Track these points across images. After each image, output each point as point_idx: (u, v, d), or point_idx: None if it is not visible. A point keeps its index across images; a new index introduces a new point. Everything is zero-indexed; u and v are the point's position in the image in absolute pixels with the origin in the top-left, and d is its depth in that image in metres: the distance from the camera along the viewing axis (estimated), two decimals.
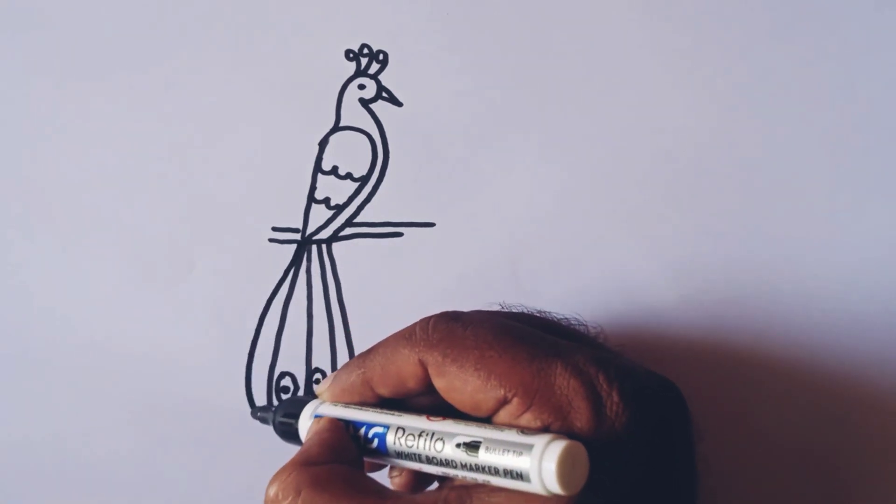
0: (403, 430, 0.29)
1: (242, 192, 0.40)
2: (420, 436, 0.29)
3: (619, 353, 0.33)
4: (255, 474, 0.39)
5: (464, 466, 0.27)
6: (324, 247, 0.40)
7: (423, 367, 0.30)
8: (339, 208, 0.40)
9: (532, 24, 0.40)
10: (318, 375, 0.40)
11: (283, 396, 0.40)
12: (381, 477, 0.32)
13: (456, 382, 0.29)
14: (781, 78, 0.40)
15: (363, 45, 0.41)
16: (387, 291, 0.40)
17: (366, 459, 0.31)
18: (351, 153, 0.40)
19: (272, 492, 0.29)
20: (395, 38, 0.40)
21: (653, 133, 0.40)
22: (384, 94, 0.40)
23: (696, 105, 0.40)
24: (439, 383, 0.29)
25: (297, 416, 0.33)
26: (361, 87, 0.40)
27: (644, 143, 0.40)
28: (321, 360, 0.40)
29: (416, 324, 0.31)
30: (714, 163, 0.40)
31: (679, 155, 0.40)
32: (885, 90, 0.39)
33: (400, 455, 0.30)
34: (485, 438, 0.27)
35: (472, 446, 0.27)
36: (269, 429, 0.39)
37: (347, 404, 0.32)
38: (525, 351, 0.28)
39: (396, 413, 0.30)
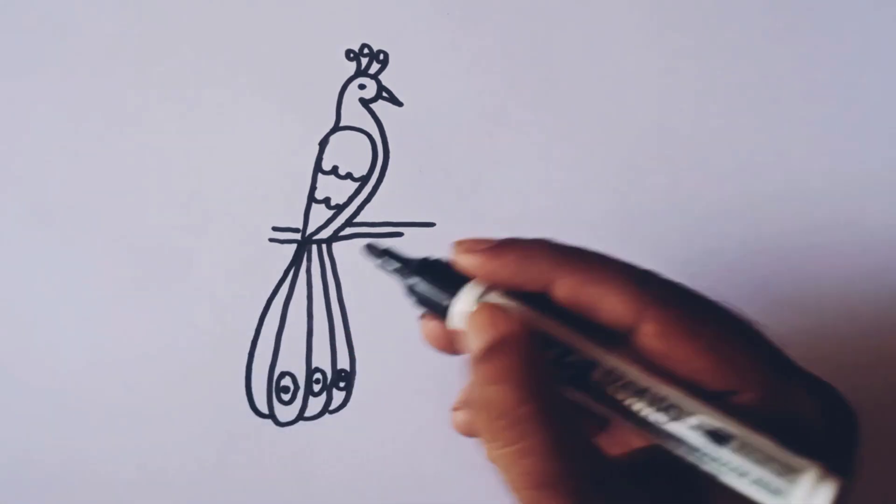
0: (618, 374, 0.25)
1: (242, 192, 0.40)
2: (644, 393, 0.24)
3: None
4: (255, 474, 0.39)
5: (694, 450, 0.24)
6: (324, 247, 0.40)
7: (638, 316, 0.25)
8: (340, 208, 0.40)
9: (532, 24, 0.40)
10: (317, 375, 0.40)
11: (284, 396, 0.39)
12: None
13: (679, 353, 0.25)
14: (781, 78, 0.40)
15: (363, 45, 0.41)
16: (387, 291, 0.40)
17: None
18: (351, 153, 0.40)
19: (517, 409, 0.24)
20: (395, 38, 0.40)
21: (653, 133, 0.40)
22: (384, 94, 0.40)
23: (696, 105, 0.40)
24: (655, 344, 0.25)
25: (450, 292, 0.27)
26: (362, 86, 0.40)
27: (644, 143, 0.40)
28: (321, 360, 0.40)
29: (650, 270, 0.26)
30: (714, 163, 0.40)
31: (679, 155, 0.40)
32: (886, 90, 0.40)
33: (603, 398, 0.25)
34: (737, 434, 0.24)
35: (719, 438, 0.24)
36: (271, 428, 0.39)
37: (529, 306, 0.26)
38: (767, 351, 0.26)
39: (595, 345, 0.25)
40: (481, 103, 0.40)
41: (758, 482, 0.23)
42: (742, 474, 0.24)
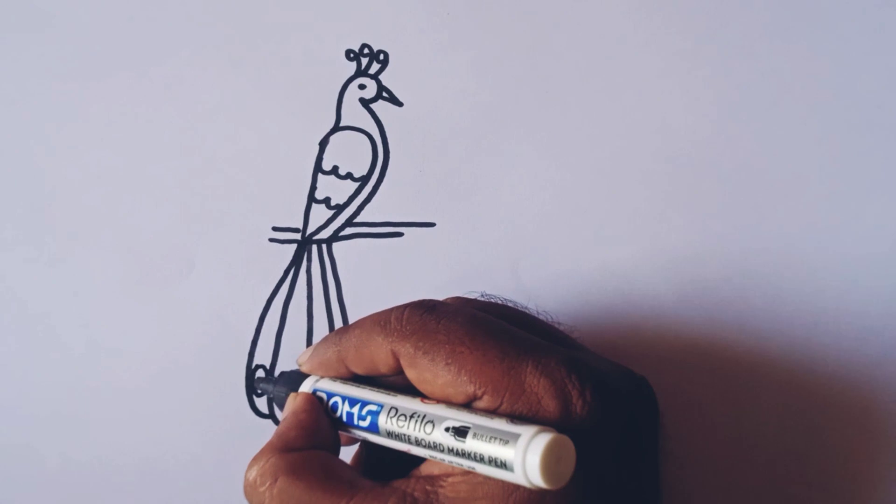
0: (396, 410, 0.29)
1: (242, 192, 0.40)
2: (412, 417, 0.29)
3: (592, 352, 0.33)
4: None
5: (450, 451, 0.27)
6: (324, 247, 0.40)
7: (395, 356, 0.30)
8: (340, 208, 0.40)
9: (532, 24, 0.40)
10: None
11: None
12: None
13: (426, 374, 0.29)
14: (781, 78, 0.40)
15: (363, 45, 0.41)
16: (387, 291, 0.40)
17: (342, 433, 0.32)
18: (351, 153, 0.40)
19: (251, 476, 0.30)
20: (395, 38, 0.40)
21: (653, 133, 0.40)
22: (384, 94, 0.40)
23: (696, 105, 0.40)
24: (410, 373, 0.30)
25: (296, 389, 0.34)
26: (362, 86, 0.40)
27: (644, 143, 0.40)
28: None
29: (391, 310, 0.31)
30: (714, 163, 0.40)
31: (679, 155, 0.40)
32: (886, 90, 0.40)
33: (390, 434, 0.30)
34: (474, 424, 0.27)
35: (461, 432, 0.27)
36: (271, 429, 0.39)
37: (346, 380, 0.32)
38: (496, 347, 0.29)
39: (391, 393, 0.30)
40: (481, 103, 0.40)
41: (493, 461, 0.26)
42: (480, 459, 0.26)
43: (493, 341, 0.29)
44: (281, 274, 0.40)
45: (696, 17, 0.40)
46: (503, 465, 0.26)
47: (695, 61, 0.40)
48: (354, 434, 0.32)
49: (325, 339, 0.33)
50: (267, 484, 0.29)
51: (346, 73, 0.40)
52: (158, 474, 0.39)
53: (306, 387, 0.33)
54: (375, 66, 0.40)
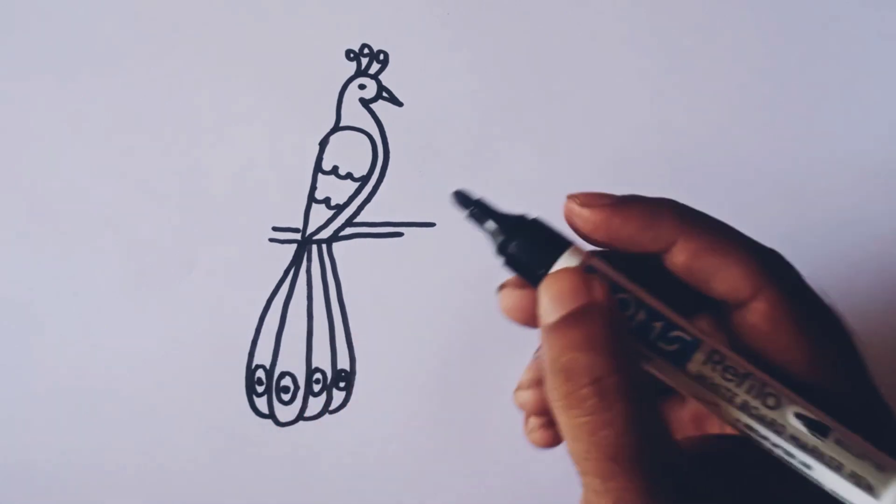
0: (721, 356, 0.24)
1: (242, 192, 0.40)
2: (746, 378, 0.24)
3: None
4: (255, 474, 0.39)
5: (792, 439, 0.23)
6: (324, 247, 0.40)
7: (754, 292, 0.24)
8: (340, 208, 0.40)
9: (532, 24, 0.40)
10: (318, 375, 0.40)
11: (284, 396, 0.39)
12: None
13: (783, 340, 0.24)
14: (781, 78, 0.40)
15: (363, 45, 0.41)
16: (387, 291, 0.40)
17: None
18: (351, 153, 0.40)
19: (605, 380, 0.23)
20: (395, 38, 0.40)
21: (653, 133, 0.40)
22: (384, 94, 0.40)
23: (696, 105, 0.40)
24: (763, 325, 0.24)
25: (549, 259, 0.26)
26: (362, 86, 0.40)
27: (644, 143, 0.40)
28: (321, 360, 0.40)
29: (770, 249, 0.26)
30: (714, 163, 0.40)
31: (679, 155, 0.40)
32: (886, 90, 0.40)
33: (700, 380, 0.24)
34: (836, 427, 0.23)
35: (819, 428, 0.23)
36: (271, 428, 0.39)
37: (630, 280, 0.25)
38: (854, 350, 0.25)
39: (698, 328, 0.24)
40: (481, 103, 0.40)
41: (852, 476, 0.23)
42: (837, 468, 0.23)
43: (852, 347, 0.25)
44: (281, 274, 0.40)
45: (696, 17, 0.40)
46: (868, 488, 0.23)
47: (694, 61, 0.40)
48: (640, 352, 0.25)
49: (650, 203, 0.26)
50: (623, 399, 0.22)
51: (346, 73, 0.40)
52: (158, 474, 0.39)
53: (571, 261, 0.25)
54: (375, 66, 0.40)
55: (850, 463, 0.23)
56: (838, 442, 0.23)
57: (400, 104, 0.40)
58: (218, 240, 0.40)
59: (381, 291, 0.40)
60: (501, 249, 0.27)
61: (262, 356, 0.40)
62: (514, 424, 0.39)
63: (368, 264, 0.40)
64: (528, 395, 0.29)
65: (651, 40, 0.40)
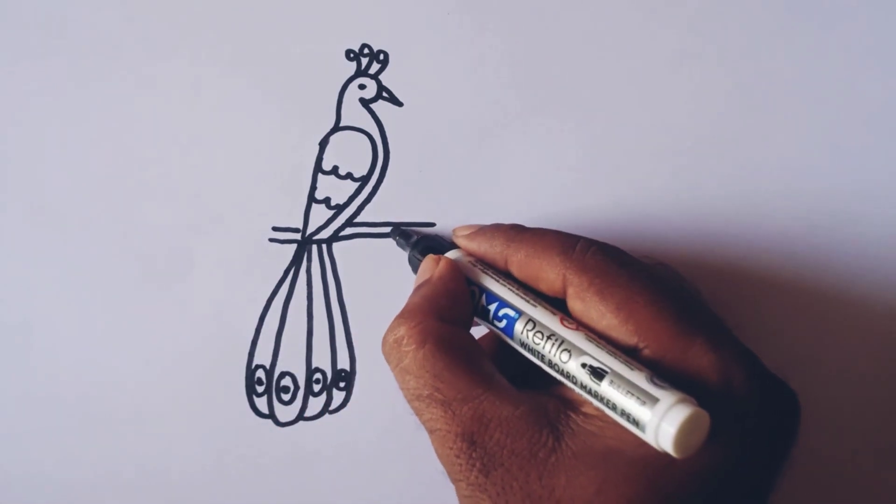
0: (534, 323, 0.29)
1: (242, 192, 0.40)
2: (549, 338, 0.29)
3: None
4: (255, 474, 0.39)
5: (582, 387, 0.28)
6: (324, 247, 0.40)
7: (563, 280, 0.30)
8: (340, 208, 0.40)
9: (533, 24, 0.40)
10: (318, 375, 0.40)
11: (284, 396, 0.40)
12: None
13: (592, 312, 0.29)
14: (781, 78, 0.40)
15: (363, 45, 0.41)
16: (387, 291, 0.40)
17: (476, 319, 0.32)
18: (351, 153, 0.40)
19: (398, 333, 0.30)
20: (395, 38, 0.40)
21: (653, 133, 0.40)
22: (384, 94, 0.40)
23: (697, 105, 0.40)
24: (575, 305, 0.30)
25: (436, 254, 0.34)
26: (362, 86, 0.40)
27: (644, 142, 0.40)
28: (321, 360, 0.40)
29: (576, 237, 0.31)
30: (714, 162, 0.40)
31: (679, 155, 0.40)
32: (886, 90, 0.40)
33: (523, 345, 0.30)
34: (612, 371, 0.27)
35: (597, 373, 0.27)
36: (271, 428, 0.39)
37: (485, 267, 0.32)
38: (672, 309, 0.28)
39: (531, 298, 0.30)
40: (481, 103, 0.40)
41: (623, 414, 0.26)
42: (613, 407, 0.27)
43: (671, 302, 0.29)
44: (281, 274, 0.40)
45: (697, 17, 0.40)
46: (634, 423, 0.26)
47: (695, 61, 0.40)
48: (487, 326, 0.32)
49: (496, 228, 0.33)
50: (413, 346, 0.29)
51: (346, 73, 0.40)
52: (158, 474, 0.39)
53: (451, 257, 0.33)
54: (375, 66, 0.40)
55: (620, 401, 0.26)
56: (611, 384, 0.27)
57: (400, 104, 0.40)
58: (218, 240, 0.40)
59: (381, 291, 0.40)
60: (410, 261, 0.37)
61: (262, 356, 0.40)
62: None
63: (368, 264, 0.40)
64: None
65: (652, 40, 0.40)
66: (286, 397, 0.39)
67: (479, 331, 0.33)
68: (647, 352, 0.28)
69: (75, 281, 0.40)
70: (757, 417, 0.28)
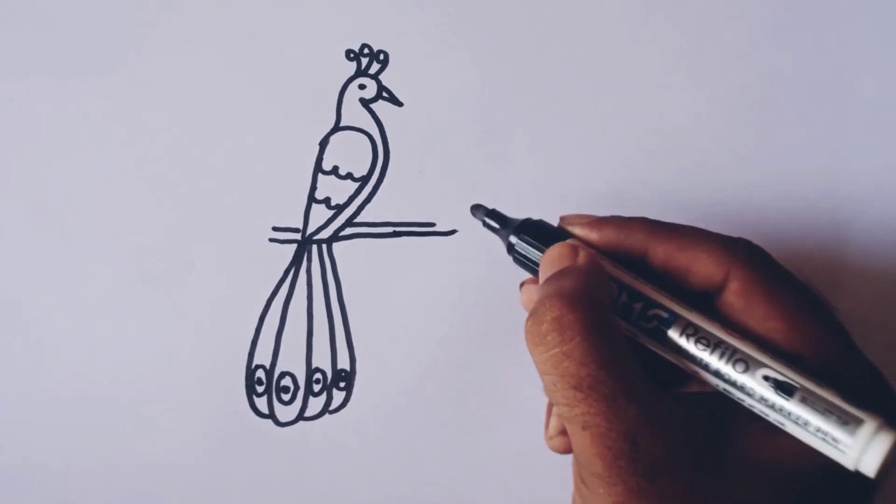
0: (696, 329, 0.27)
1: (242, 192, 0.40)
2: (717, 346, 0.26)
3: None
4: (255, 474, 0.39)
5: (762, 400, 0.26)
6: (324, 247, 0.40)
7: (725, 275, 0.28)
8: (340, 208, 0.40)
9: (532, 24, 0.40)
10: (318, 375, 0.40)
11: (284, 396, 0.40)
12: None
13: (758, 312, 0.27)
14: (781, 78, 0.40)
15: (363, 45, 0.41)
16: (387, 291, 0.40)
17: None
18: (351, 153, 0.40)
19: (565, 317, 0.26)
20: (395, 38, 0.40)
21: (653, 133, 0.40)
22: (385, 94, 0.40)
23: (696, 105, 0.40)
24: (737, 301, 0.28)
25: (544, 246, 0.30)
26: (362, 86, 0.40)
27: (644, 142, 0.40)
28: (321, 360, 0.40)
29: (736, 237, 0.29)
30: (714, 163, 0.40)
31: (679, 155, 0.40)
32: (886, 90, 0.40)
33: (679, 351, 0.27)
34: (801, 385, 0.25)
35: (786, 388, 0.25)
36: (271, 428, 0.39)
37: (615, 263, 0.29)
38: (835, 323, 0.27)
39: (679, 301, 0.28)
40: (481, 103, 0.40)
41: (819, 432, 0.24)
42: (804, 424, 0.25)
43: (832, 315, 0.27)
44: (281, 274, 0.40)
45: (697, 17, 0.40)
46: (833, 441, 0.24)
47: (695, 61, 0.40)
48: (628, 330, 0.29)
49: (625, 220, 0.30)
50: (582, 331, 0.26)
51: (346, 73, 0.40)
52: (158, 474, 0.39)
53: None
54: (375, 66, 0.40)
55: (816, 419, 0.25)
56: (804, 400, 0.25)
57: (400, 104, 0.40)
58: (218, 240, 0.40)
59: (381, 291, 0.40)
60: (510, 249, 0.32)
61: (262, 356, 0.40)
62: (513, 424, 0.39)
63: (368, 264, 0.40)
64: (558, 442, 0.32)
65: (651, 40, 0.40)
66: (286, 397, 0.39)
67: None
68: (809, 364, 0.26)
69: (75, 281, 0.40)
70: None
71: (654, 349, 0.28)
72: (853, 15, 0.40)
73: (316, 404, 0.39)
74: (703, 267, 0.28)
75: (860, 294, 0.39)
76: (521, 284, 0.34)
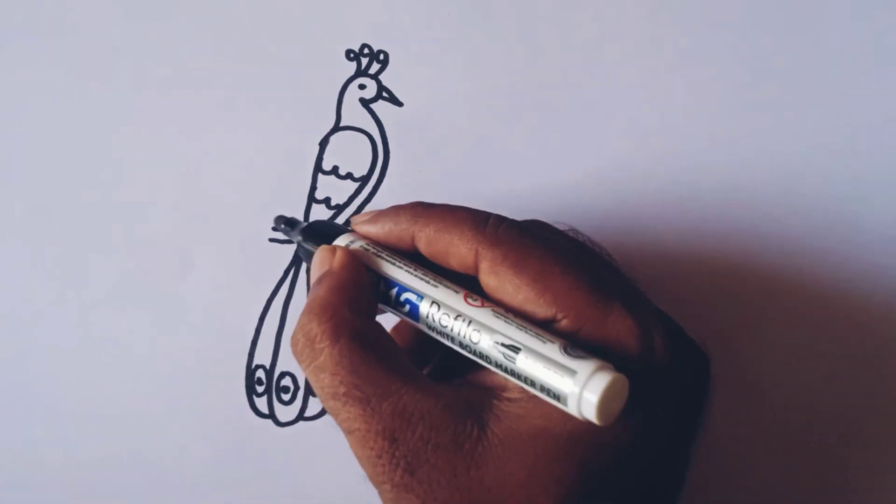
0: (439, 305, 0.28)
1: (242, 192, 0.40)
2: (457, 318, 0.28)
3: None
4: (255, 474, 0.39)
5: (498, 366, 0.27)
6: None
7: (476, 257, 0.29)
8: (340, 208, 0.40)
9: (532, 24, 0.40)
10: None
11: (284, 396, 0.40)
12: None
13: (508, 286, 0.28)
14: (781, 78, 0.40)
15: (363, 45, 0.41)
16: None
17: (380, 306, 0.30)
18: (351, 153, 0.40)
19: (311, 329, 0.28)
20: (395, 38, 0.41)
21: (653, 133, 0.40)
22: (385, 94, 0.40)
23: (696, 105, 0.40)
24: (488, 280, 0.29)
25: (328, 243, 0.32)
26: (362, 86, 0.40)
27: (644, 142, 0.40)
28: None
29: (489, 214, 0.30)
30: (714, 162, 0.40)
31: (679, 155, 0.40)
32: (886, 90, 0.40)
33: (431, 328, 0.29)
34: (525, 346, 0.26)
35: (512, 349, 0.27)
36: (271, 428, 0.39)
37: (380, 251, 0.30)
38: (587, 277, 0.28)
39: (431, 279, 0.29)
40: (481, 103, 0.40)
41: (543, 389, 0.26)
42: (532, 383, 0.26)
43: (586, 271, 0.28)
44: (281, 274, 0.40)
45: (696, 17, 0.40)
46: (555, 397, 0.25)
47: (694, 61, 0.40)
48: (393, 314, 0.30)
49: (399, 207, 0.31)
50: (328, 342, 0.27)
51: (346, 73, 0.40)
52: (158, 474, 0.39)
53: (340, 244, 0.31)
54: (375, 66, 0.40)
55: (540, 376, 0.26)
56: (527, 359, 0.26)
57: (400, 104, 0.40)
58: (218, 240, 0.40)
59: None
60: (298, 250, 0.34)
61: (262, 356, 0.40)
62: None
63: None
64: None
65: (651, 40, 0.40)
66: (286, 397, 0.39)
67: (388, 321, 0.32)
68: (564, 322, 0.27)
69: (75, 280, 0.40)
70: (674, 379, 0.28)
71: (421, 329, 0.29)
72: (853, 15, 0.40)
73: (316, 404, 0.39)
74: (456, 249, 0.29)
75: (860, 293, 0.39)
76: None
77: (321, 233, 0.33)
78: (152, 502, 0.39)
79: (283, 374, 0.40)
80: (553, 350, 0.26)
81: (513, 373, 0.27)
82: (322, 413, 0.39)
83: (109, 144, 0.40)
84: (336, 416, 0.27)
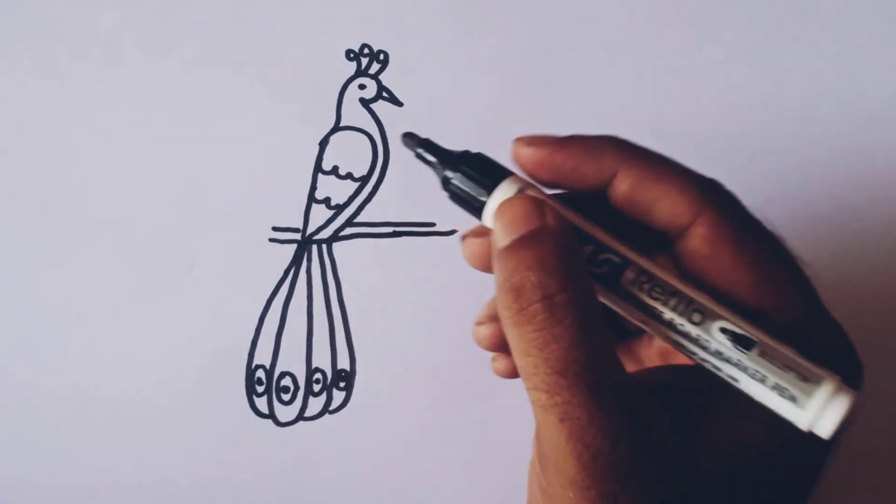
0: (650, 276, 0.24)
1: (242, 192, 0.40)
2: (673, 295, 0.24)
3: None
4: (255, 474, 0.39)
5: (716, 353, 0.24)
6: (324, 247, 0.40)
7: (694, 217, 0.25)
8: (340, 208, 0.40)
9: (532, 24, 0.40)
10: (318, 375, 0.40)
11: (284, 396, 0.40)
12: None
13: (721, 260, 0.24)
14: (781, 77, 0.40)
15: (364, 45, 0.41)
16: (387, 291, 0.40)
17: None
18: (351, 153, 0.40)
19: (553, 292, 0.23)
20: (395, 38, 0.41)
21: (653, 133, 0.40)
22: (385, 94, 0.40)
23: (696, 104, 0.40)
24: (700, 247, 0.25)
25: (489, 187, 0.27)
26: (362, 86, 0.40)
27: (643, 142, 0.40)
28: (321, 360, 0.40)
29: (710, 178, 0.26)
30: (714, 161, 0.40)
31: (679, 155, 0.40)
32: (886, 89, 0.40)
33: (631, 299, 0.24)
34: (760, 340, 0.23)
35: (744, 342, 0.23)
36: (271, 428, 0.39)
37: (559, 199, 0.26)
38: (803, 275, 0.25)
39: (630, 247, 0.25)
40: (481, 103, 0.40)
41: (776, 388, 0.23)
42: (761, 379, 0.23)
43: (799, 270, 0.25)
44: (281, 274, 0.40)
45: (696, 17, 0.40)
46: (791, 398, 0.23)
47: (694, 61, 0.40)
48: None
49: (589, 139, 0.26)
50: (572, 313, 0.23)
51: (346, 73, 0.41)
52: (158, 474, 0.39)
53: (510, 190, 0.26)
54: (375, 66, 0.40)
55: (774, 375, 0.23)
56: (762, 354, 0.23)
57: (400, 104, 0.40)
58: (218, 240, 0.40)
59: (381, 291, 0.40)
60: (445, 183, 0.28)
61: (262, 356, 0.40)
62: (514, 424, 0.39)
63: (368, 264, 0.40)
64: (486, 330, 0.29)
65: (651, 40, 0.40)
66: (286, 397, 0.39)
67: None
68: (779, 315, 0.24)
69: (75, 281, 0.40)
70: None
71: (603, 299, 0.25)
72: (853, 15, 0.40)
73: (316, 404, 0.39)
74: (670, 204, 0.25)
75: (861, 292, 0.39)
76: (464, 237, 0.29)
77: (482, 167, 0.27)
78: (152, 502, 0.39)
79: (283, 374, 0.40)
80: (790, 351, 0.23)
81: (738, 365, 0.23)
82: (322, 413, 0.39)
83: (110, 144, 0.40)
84: (551, 396, 0.23)
